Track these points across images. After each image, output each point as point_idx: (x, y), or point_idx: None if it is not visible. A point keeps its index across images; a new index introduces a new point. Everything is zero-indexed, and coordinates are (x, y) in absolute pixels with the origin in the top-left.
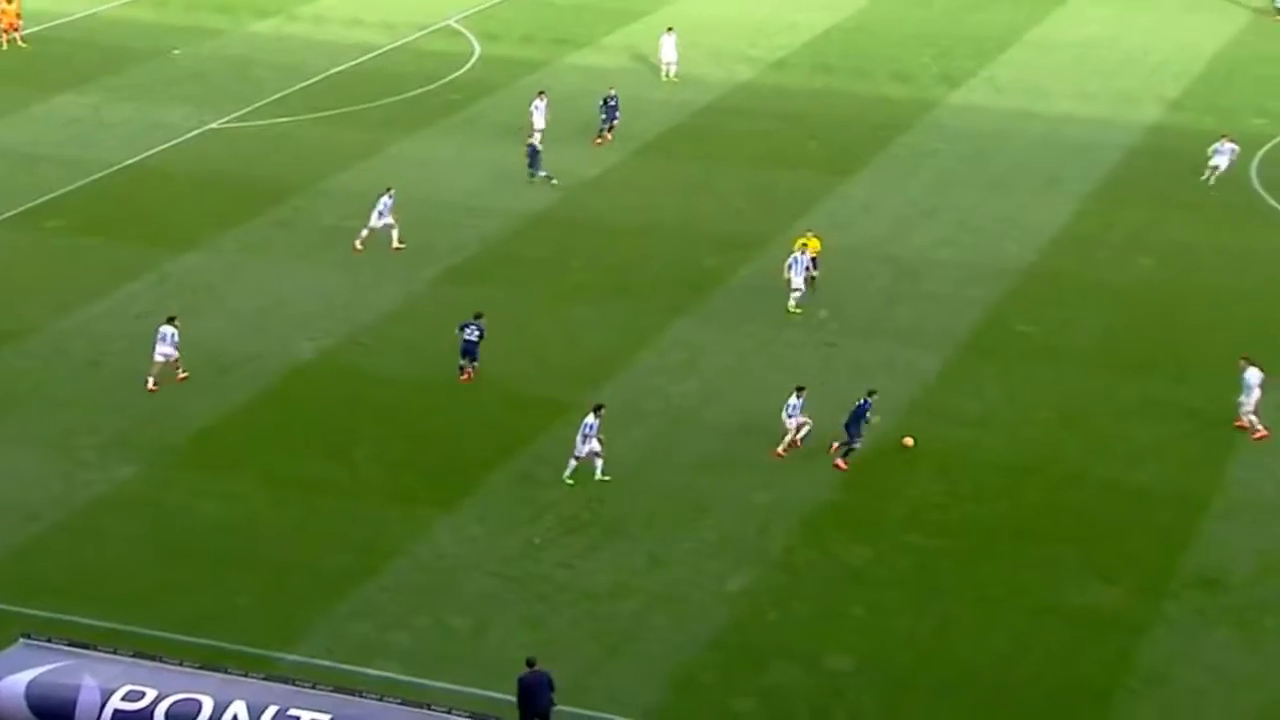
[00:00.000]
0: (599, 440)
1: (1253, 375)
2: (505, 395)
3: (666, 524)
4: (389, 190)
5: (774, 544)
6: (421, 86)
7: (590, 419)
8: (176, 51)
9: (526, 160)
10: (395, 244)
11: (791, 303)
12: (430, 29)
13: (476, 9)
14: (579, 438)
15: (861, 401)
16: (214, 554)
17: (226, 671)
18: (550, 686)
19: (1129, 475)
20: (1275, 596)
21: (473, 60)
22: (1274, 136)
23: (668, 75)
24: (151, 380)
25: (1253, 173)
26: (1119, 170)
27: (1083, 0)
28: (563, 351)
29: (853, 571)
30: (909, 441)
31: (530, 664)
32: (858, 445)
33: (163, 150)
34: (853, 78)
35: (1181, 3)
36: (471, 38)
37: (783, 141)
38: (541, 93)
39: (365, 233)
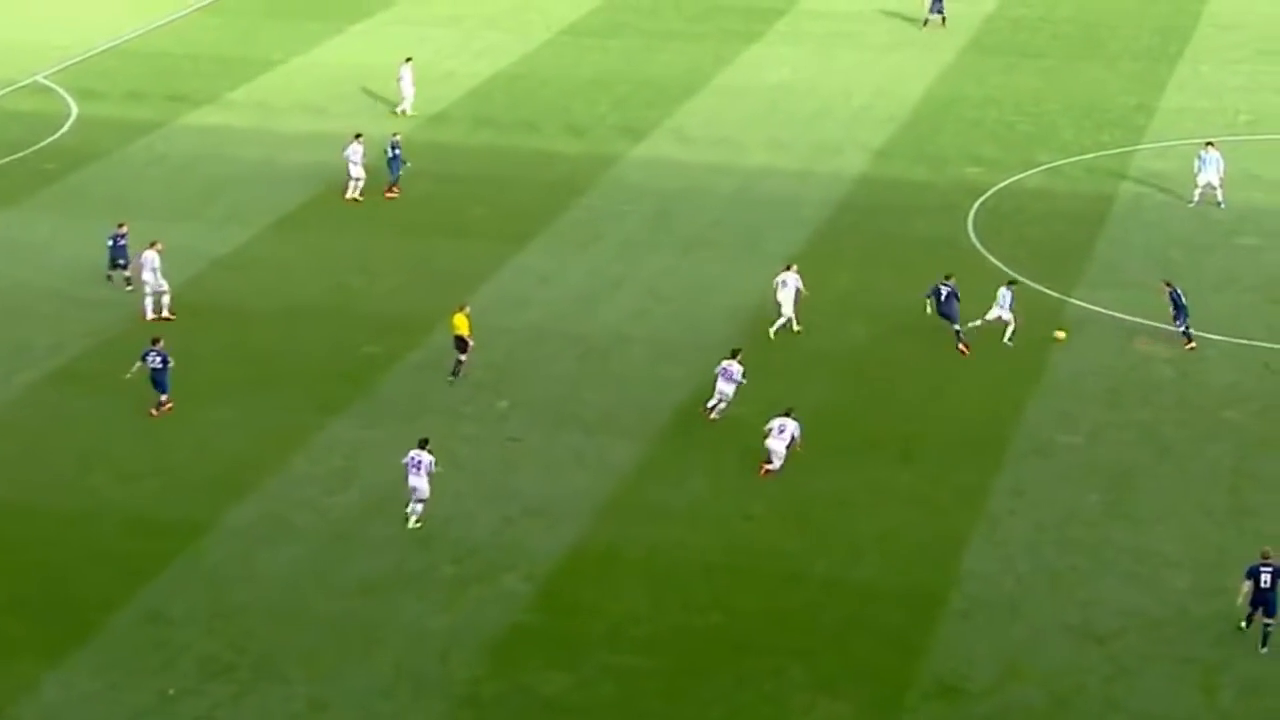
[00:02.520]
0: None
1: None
2: (126, 519)
3: (329, 660)
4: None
5: (457, 675)
6: (6, 156)
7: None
8: None
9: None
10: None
11: (774, 329)
12: (15, 87)
13: (72, 61)
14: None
15: None
16: None
17: None
18: None
19: (854, 571)
20: (1021, 703)
21: (69, 122)
22: (990, 185)
23: (404, 111)
24: None
25: (969, 227)
26: (823, 228)
27: (774, 39)
28: (195, 461)
29: (548, 702)
30: (1061, 335)
31: None
32: None
33: None
34: (521, 132)
35: (882, 41)
36: (66, 96)
37: (444, 207)
38: None
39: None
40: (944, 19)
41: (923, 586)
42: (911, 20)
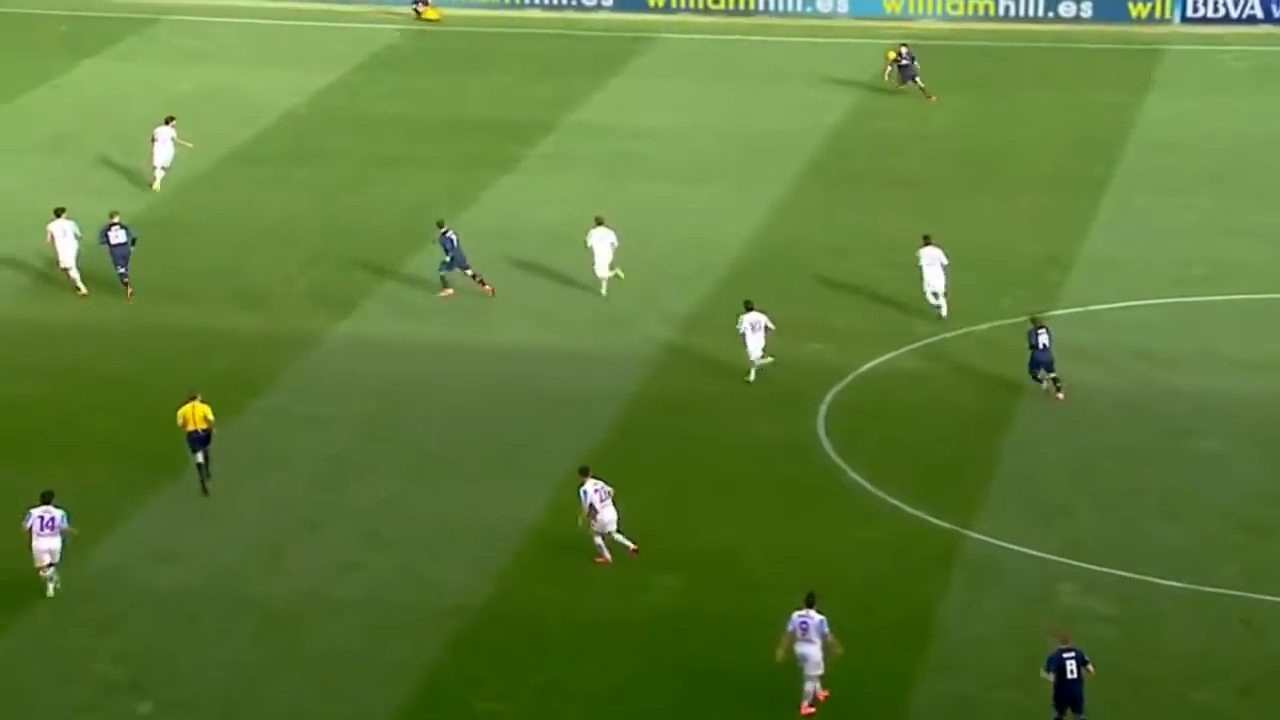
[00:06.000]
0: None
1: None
2: None
3: None
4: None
5: None
6: None
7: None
8: None
9: None
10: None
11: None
12: None
13: None
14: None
15: None
16: None
17: None
18: None
19: None
20: None
21: None
22: (848, 369)
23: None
24: None
25: (819, 428)
26: (612, 438)
27: (536, 165)
28: None
29: None
30: None
31: None
32: None
33: None
34: (170, 303)
35: (688, 167)
36: None
37: (56, 417)
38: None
39: None
40: (926, 91)
41: None
42: (734, 137)
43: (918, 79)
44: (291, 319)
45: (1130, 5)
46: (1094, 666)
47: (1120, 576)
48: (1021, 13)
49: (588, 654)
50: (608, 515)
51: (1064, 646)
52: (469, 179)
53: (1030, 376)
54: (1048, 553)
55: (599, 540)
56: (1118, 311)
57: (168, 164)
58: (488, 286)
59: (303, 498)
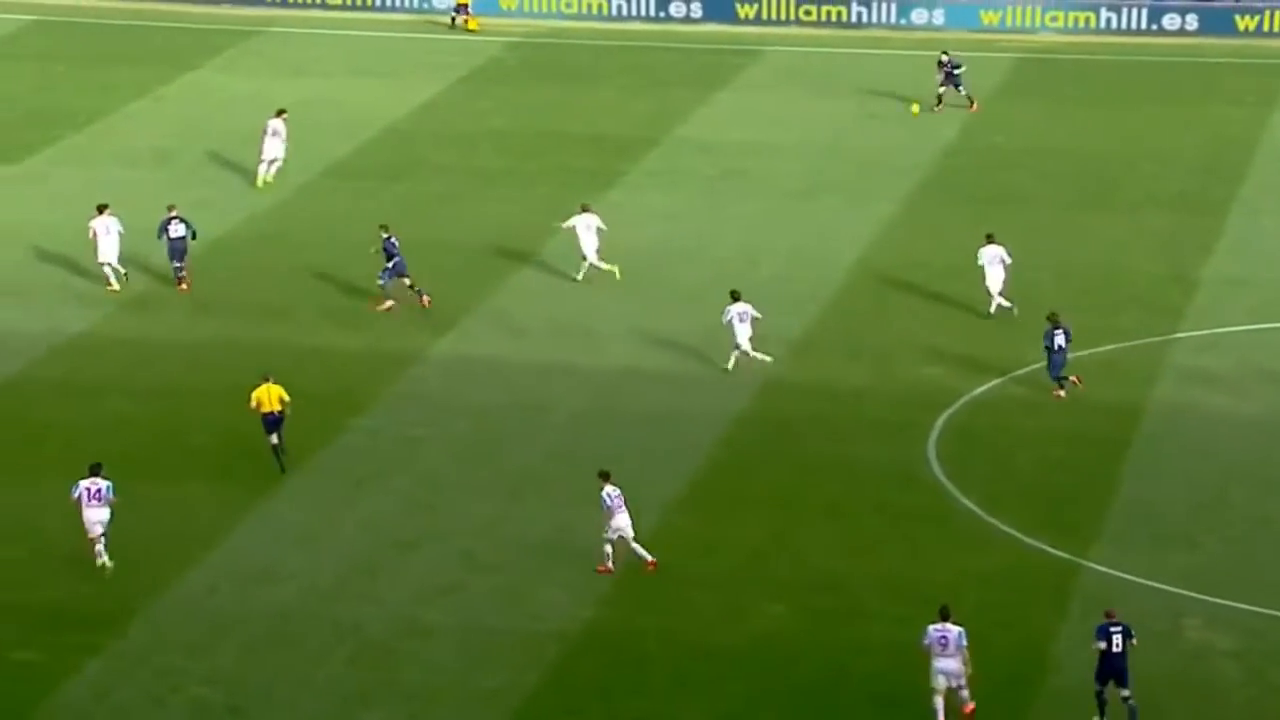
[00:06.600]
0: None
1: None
2: None
3: None
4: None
5: None
6: None
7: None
8: None
9: None
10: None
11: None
12: None
13: None
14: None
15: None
16: None
17: None
18: None
19: None
20: None
21: None
22: (960, 394)
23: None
24: None
25: (930, 454)
26: (717, 457)
27: (641, 181)
28: None
29: None
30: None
31: None
32: None
33: None
34: (264, 320)
35: (797, 184)
36: None
37: (145, 431)
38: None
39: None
40: (971, 99)
41: None
42: (842, 153)
43: (961, 87)
44: (389, 336)
45: (1236, 19)
46: (1136, 640)
47: (1246, 610)
48: (1127, 25)
49: (689, 683)
50: (621, 520)
51: (1110, 620)
52: (571, 195)
53: (1051, 379)
54: (1169, 584)
55: (607, 547)
56: (1245, 334)
57: (277, 157)
58: (425, 298)
59: (399, 519)
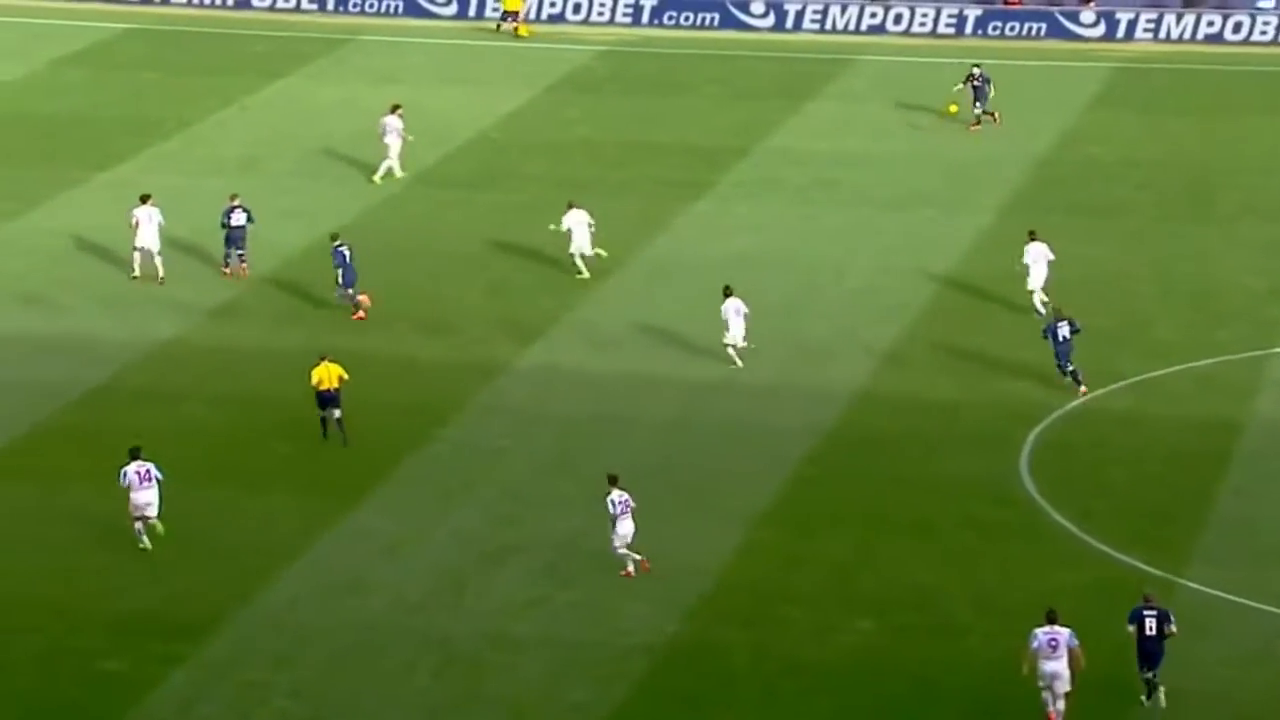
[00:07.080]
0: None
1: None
2: None
3: None
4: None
5: None
6: None
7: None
8: None
9: None
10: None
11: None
12: None
13: None
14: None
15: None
16: None
17: None
18: None
19: None
20: None
21: None
22: (1053, 407)
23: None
24: None
25: (1022, 469)
26: (806, 472)
27: (729, 192)
28: None
29: None
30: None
31: None
32: None
33: None
34: (351, 333)
35: (888, 193)
36: None
37: (234, 449)
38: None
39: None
40: (995, 116)
41: None
42: (936, 163)
43: (979, 104)
44: (476, 346)
45: None
46: (1176, 627)
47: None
48: (1221, 34)
49: (777, 699)
50: (625, 528)
51: (1147, 603)
52: (660, 205)
53: (1059, 372)
54: (1268, 604)
55: (622, 552)
56: None
57: (394, 156)
58: (361, 312)
59: (486, 530)
